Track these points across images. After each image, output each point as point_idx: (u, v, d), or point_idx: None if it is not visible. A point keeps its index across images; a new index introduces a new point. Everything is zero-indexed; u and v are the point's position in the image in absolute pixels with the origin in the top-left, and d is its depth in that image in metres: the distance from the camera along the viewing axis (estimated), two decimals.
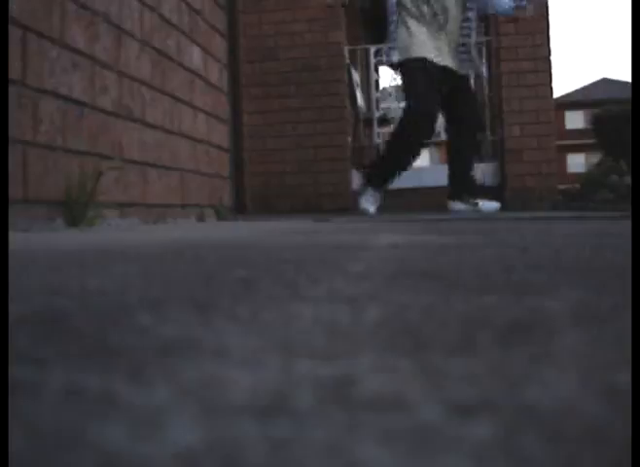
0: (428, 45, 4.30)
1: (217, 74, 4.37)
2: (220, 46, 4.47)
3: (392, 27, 4.32)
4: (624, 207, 4.83)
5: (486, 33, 6.41)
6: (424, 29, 4.32)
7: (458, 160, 4.51)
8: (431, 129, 4.34)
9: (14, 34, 2.26)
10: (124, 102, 3.07)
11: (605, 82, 35.99)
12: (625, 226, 2.23)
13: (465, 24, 4.44)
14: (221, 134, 4.44)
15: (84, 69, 2.72)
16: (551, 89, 5.97)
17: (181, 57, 3.73)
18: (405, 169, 4.48)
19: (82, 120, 2.70)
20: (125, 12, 3.09)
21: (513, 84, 5.97)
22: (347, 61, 6.29)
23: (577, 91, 35.61)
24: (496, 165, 6.12)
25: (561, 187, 8.13)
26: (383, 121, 6.13)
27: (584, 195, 9.56)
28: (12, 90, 2.23)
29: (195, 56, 3.94)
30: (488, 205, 4.50)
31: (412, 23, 4.32)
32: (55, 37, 2.52)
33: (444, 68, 4.33)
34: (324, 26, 6.08)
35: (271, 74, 6.09)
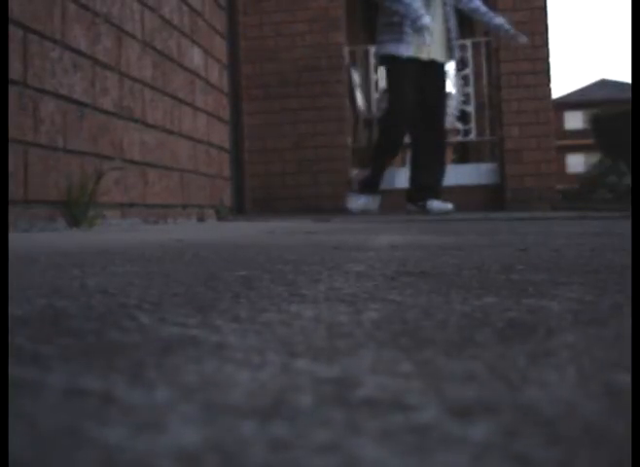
0: (413, 41, 4.37)
1: (217, 75, 4.37)
2: (220, 47, 4.47)
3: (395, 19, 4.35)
4: (623, 207, 4.83)
5: (486, 34, 6.41)
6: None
7: (418, 161, 4.57)
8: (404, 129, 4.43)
9: (15, 35, 2.26)
10: (125, 103, 3.07)
11: (603, 83, 35.98)
12: (625, 226, 2.23)
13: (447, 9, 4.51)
14: (221, 135, 4.44)
15: (85, 70, 2.72)
16: (550, 89, 5.97)
17: (181, 58, 3.73)
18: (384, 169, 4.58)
19: (82, 120, 2.70)
20: (126, 13, 3.10)
21: (512, 84, 5.98)
22: (347, 62, 6.29)
23: (576, 92, 35.61)
24: (495, 166, 6.12)
25: (560, 187, 8.13)
26: None
27: (583, 195, 9.56)
28: (13, 91, 2.23)
29: (195, 57, 3.94)
30: (437, 205, 4.52)
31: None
32: (57, 38, 2.52)
33: (425, 62, 4.40)
34: (324, 27, 6.09)
35: (272, 75, 6.10)
